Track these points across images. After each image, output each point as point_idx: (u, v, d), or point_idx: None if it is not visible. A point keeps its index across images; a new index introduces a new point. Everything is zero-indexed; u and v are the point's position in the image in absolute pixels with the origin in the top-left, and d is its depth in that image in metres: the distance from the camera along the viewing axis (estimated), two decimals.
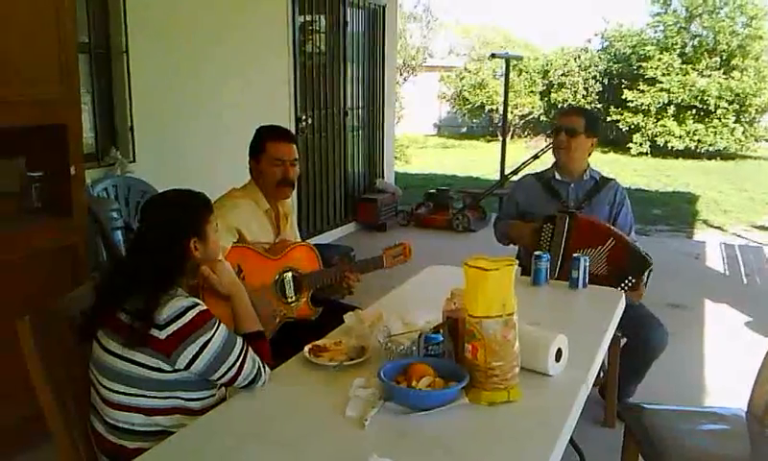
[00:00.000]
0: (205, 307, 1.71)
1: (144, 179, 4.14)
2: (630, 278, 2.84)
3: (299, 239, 2.83)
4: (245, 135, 2.76)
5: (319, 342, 1.98)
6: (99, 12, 4.08)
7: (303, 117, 6.24)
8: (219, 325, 1.71)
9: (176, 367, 1.66)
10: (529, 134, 17.87)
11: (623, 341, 3.01)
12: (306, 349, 1.93)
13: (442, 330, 1.84)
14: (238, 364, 1.70)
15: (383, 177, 7.98)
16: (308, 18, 6.35)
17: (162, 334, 1.64)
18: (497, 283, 1.66)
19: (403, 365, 1.72)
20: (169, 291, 1.70)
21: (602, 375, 3.10)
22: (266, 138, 2.67)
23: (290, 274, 2.54)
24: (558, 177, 3.22)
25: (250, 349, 1.75)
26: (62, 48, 2.85)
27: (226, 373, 1.69)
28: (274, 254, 2.54)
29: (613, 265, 2.85)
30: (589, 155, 3.23)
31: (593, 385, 2.42)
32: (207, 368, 1.67)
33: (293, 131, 5.80)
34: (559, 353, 1.83)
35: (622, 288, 2.79)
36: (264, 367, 1.76)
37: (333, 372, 1.83)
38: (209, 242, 1.85)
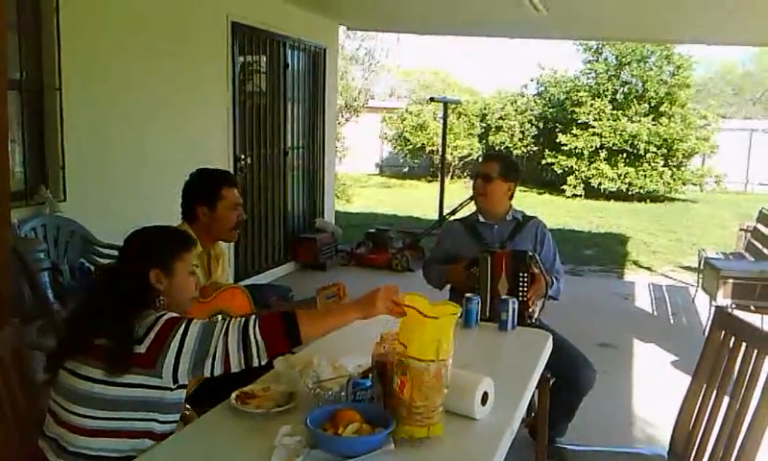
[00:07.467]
0: (176, 314, 1.76)
1: (75, 218, 4.04)
2: (521, 274, 2.95)
3: (230, 282, 2.81)
4: (181, 175, 2.74)
5: (246, 388, 1.96)
6: (32, 49, 4.01)
7: (243, 156, 6.22)
8: (192, 320, 1.74)
9: (163, 374, 1.68)
10: (468, 175, 18.18)
11: (552, 380, 3.07)
12: (233, 395, 1.90)
13: (370, 375, 1.85)
14: (221, 343, 1.72)
15: (323, 216, 7.99)
16: (249, 59, 6.38)
17: (143, 347, 1.68)
18: (435, 330, 1.68)
19: (331, 411, 1.71)
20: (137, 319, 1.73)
21: (532, 414, 3.15)
22: (221, 184, 2.68)
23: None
24: (481, 220, 3.34)
25: (233, 326, 1.75)
26: None
27: (214, 354, 1.71)
28: (203, 297, 2.50)
29: (508, 275, 2.97)
30: (511, 197, 3.35)
31: (524, 425, 2.47)
32: (195, 360, 1.70)
33: (232, 170, 5.78)
34: (485, 397, 1.86)
35: (523, 287, 2.92)
36: (258, 342, 1.75)
37: (260, 419, 1.81)
38: (176, 278, 1.88)
